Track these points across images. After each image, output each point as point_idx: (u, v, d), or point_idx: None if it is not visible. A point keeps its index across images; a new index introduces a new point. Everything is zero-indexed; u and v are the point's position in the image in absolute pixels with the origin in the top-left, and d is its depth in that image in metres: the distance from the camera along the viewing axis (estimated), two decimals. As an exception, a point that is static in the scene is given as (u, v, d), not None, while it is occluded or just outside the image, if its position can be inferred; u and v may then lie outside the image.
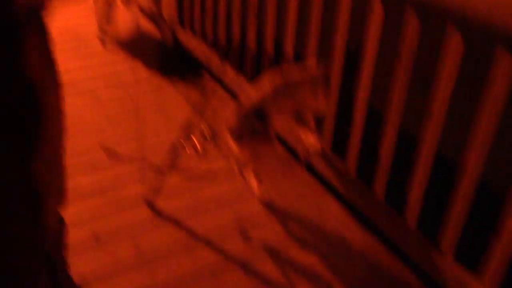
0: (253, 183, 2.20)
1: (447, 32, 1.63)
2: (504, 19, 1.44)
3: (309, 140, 2.31)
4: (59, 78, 1.17)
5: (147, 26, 3.80)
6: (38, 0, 1.03)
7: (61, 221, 1.36)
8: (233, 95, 2.90)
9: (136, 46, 3.56)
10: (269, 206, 2.19)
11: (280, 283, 1.86)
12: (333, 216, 2.16)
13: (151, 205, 2.17)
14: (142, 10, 3.85)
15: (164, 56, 3.48)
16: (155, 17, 3.73)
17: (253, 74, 2.74)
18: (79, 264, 1.79)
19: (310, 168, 2.38)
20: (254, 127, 2.10)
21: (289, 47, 2.39)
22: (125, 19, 3.58)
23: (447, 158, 2.32)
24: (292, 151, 2.45)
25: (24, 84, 1.03)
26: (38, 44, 1.05)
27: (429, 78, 1.73)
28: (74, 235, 1.59)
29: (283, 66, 2.24)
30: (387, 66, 1.91)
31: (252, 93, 2.16)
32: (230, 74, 2.88)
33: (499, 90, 1.53)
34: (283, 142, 2.50)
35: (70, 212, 1.40)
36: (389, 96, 1.90)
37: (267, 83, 2.12)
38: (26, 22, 0.99)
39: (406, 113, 1.92)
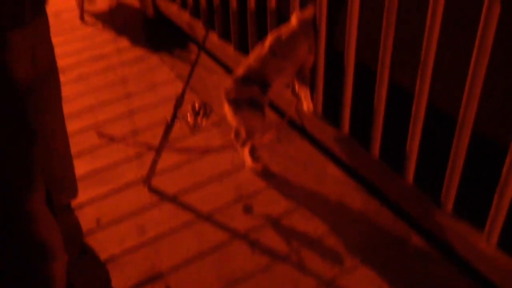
0: (247, 154, 2.20)
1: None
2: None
3: (306, 100, 2.30)
4: (55, 69, 1.14)
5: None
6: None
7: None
8: (219, 62, 2.86)
9: (115, 18, 3.48)
10: (267, 175, 2.19)
11: (285, 253, 1.88)
12: (331, 179, 2.17)
13: (149, 185, 2.17)
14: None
15: (145, 26, 3.40)
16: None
17: (238, 39, 2.70)
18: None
19: (304, 132, 2.38)
20: (252, 95, 2.08)
21: (272, 2, 2.34)
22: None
23: (441, 111, 2.33)
24: (283, 115, 2.43)
25: (10, 84, 1.01)
26: (27, 40, 1.01)
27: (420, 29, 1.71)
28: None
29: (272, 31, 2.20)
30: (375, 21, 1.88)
31: (249, 58, 2.13)
32: (214, 41, 2.83)
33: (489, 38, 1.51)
34: (275, 108, 2.48)
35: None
36: (379, 50, 1.87)
37: (263, 47, 2.10)
38: (10, 21, 0.96)
39: (398, 67, 1.91)
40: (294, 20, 2.15)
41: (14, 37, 0.97)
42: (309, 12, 2.12)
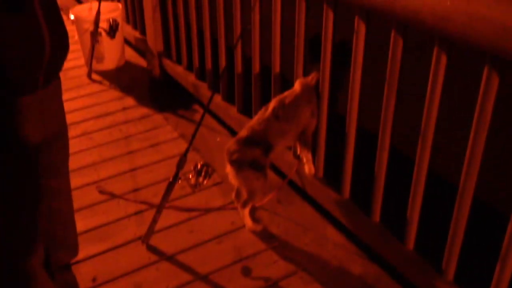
0: (247, 215, 2.20)
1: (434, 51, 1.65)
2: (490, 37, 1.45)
3: (308, 163, 2.31)
4: (64, 131, 1.16)
5: (134, 57, 3.80)
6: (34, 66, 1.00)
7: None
8: (222, 123, 2.90)
9: (122, 76, 3.56)
10: (267, 237, 2.18)
11: (283, 317, 1.85)
12: (331, 243, 2.15)
13: (147, 244, 2.15)
14: (128, 41, 3.85)
15: (151, 86, 3.47)
16: (141, 48, 3.73)
17: (242, 101, 2.75)
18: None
19: (305, 195, 2.38)
20: (254, 156, 2.10)
21: (276, 68, 2.40)
22: (111, 51, 3.57)
23: (442, 177, 2.34)
24: (284, 176, 2.45)
25: (19, 145, 1.03)
26: (38, 103, 1.03)
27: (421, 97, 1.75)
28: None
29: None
30: (377, 87, 1.93)
31: (252, 120, 2.17)
32: (218, 102, 2.88)
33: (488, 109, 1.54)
34: (276, 169, 2.50)
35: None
36: (381, 117, 1.91)
37: (266, 110, 2.14)
38: (19, 84, 0.98)
39: (399, 133, 1.93)
40: (297, 85, 2.20)
41: (26, 100, 0.99)
42: (312, 78, 2.18)
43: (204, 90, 3.02)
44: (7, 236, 1.04)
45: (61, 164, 1.15)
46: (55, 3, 1.04)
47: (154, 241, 2.16)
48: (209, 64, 2.95)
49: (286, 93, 2.20)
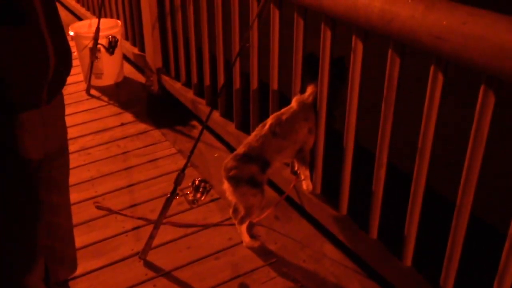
0: (244, 231, 2.20)
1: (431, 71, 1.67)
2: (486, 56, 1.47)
3: (305, 179, 2.32)
4: (66, 148, 1.17)
5: (133, 73, 3.82)
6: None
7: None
8: (220, 139, 2.92)
9: (121, 92, 3.58)
10: (264, 253, 2.18)
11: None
12: (329, 259, 2.15)
13: (145, 260, 2.15)
14: (127, 57, 3.87)
15: (150, 101, 3.49)
16: (140, 64, 3.75)
17: (240, 117, 2.77)
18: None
19: (303, 211, 2.38)
20: (252, 173, 2.11)
21: (274, 85, 2.41)
22: (110, 67, 3.59)
23: (438, 194, 2.35)
24: (282, 193, 2.45)
25: (20, 161, 1.03)
26: (40, 119, 1.04)
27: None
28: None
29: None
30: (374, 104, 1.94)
31: (250, 137, 2.18)
32: (216, 118, 2.89)
33: (484, 128, 1.55)
34: (274, 185, 2.50)
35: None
36: (378, 135, 1.92)
37: (263, 126, 2.15)
38: (23, 99, 0.99)
39: (396, 150, 1.95)
40: (294, 102, 2.21)
41: (29, 115, 1.00)
42: (309, 95, 2.19)
43: (202, 106, 3.04)
44: (7, 252, 1.04)
45: (62, 180, 1.16)
46: (59, 20, 1.06)
47: (151, 257, 2.16)
48: (207, 81, 2.97)
49: (283, 110, 2.21)
